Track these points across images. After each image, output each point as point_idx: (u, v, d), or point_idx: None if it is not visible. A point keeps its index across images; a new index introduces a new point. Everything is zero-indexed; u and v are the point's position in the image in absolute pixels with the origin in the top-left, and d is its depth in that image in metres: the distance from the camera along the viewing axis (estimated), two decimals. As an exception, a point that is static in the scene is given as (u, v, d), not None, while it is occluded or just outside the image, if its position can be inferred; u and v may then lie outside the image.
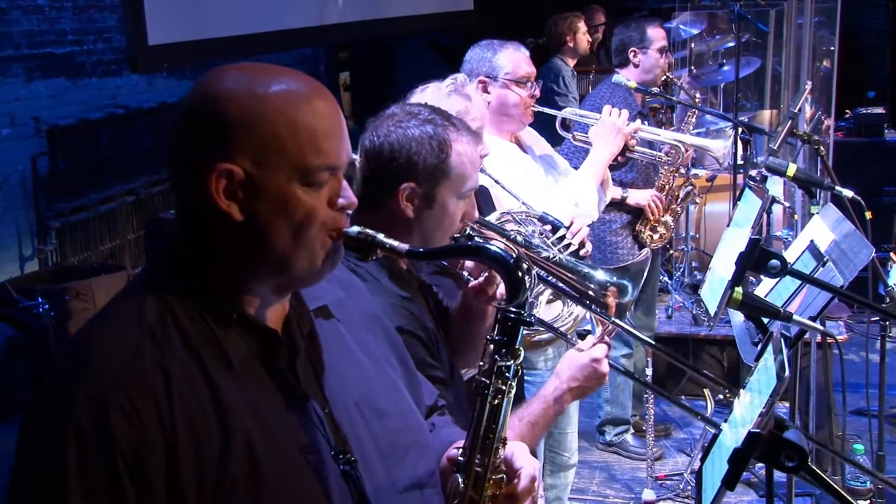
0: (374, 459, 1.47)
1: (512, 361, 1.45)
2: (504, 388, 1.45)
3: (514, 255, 1.45)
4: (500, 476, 1.49)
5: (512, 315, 1.45)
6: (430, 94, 2.68)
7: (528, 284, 1.44)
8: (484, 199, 2.98)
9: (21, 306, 4.24)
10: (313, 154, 1.36)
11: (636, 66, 4.53)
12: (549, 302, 2.76)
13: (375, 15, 6.64)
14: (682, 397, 5.38)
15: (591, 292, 2.42)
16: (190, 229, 1.41)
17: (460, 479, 1.46)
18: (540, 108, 3.57)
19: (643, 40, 4.54)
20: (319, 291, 1.52)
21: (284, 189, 1.36)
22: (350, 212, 1.44)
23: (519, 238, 2.50)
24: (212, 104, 1.35)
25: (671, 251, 6.09)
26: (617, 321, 2.38)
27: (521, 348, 1.47)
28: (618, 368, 2.49)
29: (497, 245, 1.48)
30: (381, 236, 1.45)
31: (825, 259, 2.58)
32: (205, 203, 1.35)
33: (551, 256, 2.44)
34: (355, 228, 1.45)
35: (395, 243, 1.45)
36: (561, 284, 2.46)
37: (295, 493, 1.36)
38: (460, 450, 1.49)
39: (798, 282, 2.46)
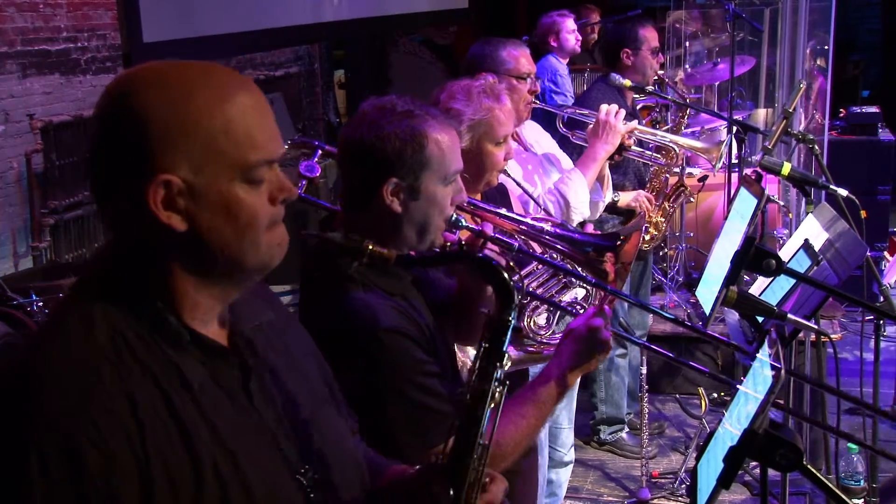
0: (326, 476, 1.46)
1: (499, 366, 1.45)
2: (493, 392, 1.45)
3: (504, 264, 1.45)
4: (485, 481, 1.48)
5: (499, 320, 1.45)
6: (460, 92, 2.69)
7: (516, 289, 1.44)
8: (502, 197, 2.99)
9: (15, 303, 4.23)
10: (250, 150, 1.32)
11: (628, 66, 4.53)
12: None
13: (371, 13, 6.64)
14: (677, 395, 5.40)
15: (588, 260, 2.40)
16: (126, 246, 1.34)
17: (448, 486, 1.44)
18: (539, 105, 3.57)
19: (635, 41, 4.54)
20: (254, 310, 1.49)
21: (226, 191, 1.31)
22: (292, 201, 1.40)
23: (511, 215, 2.49)
24: (136, 112, 1.29)
25: (666, 249, 6.10)
26: (616, 291, 2.36)
27: (508, 353, 1.46)
28: (623, 336, 2.43)
29: (487, 253, 1.48)
30: (369, 244, 1.44)
31: (820, 258, 2.59)
32: (142, 217, 1.29)
33: (545, 229, 2.44)
34: (338, 234, 1.44)
35: (383, 251, 1.45)
36: (557, 262, 2.44)
37: None
38: (439, 458, 1.47)
39: (793, 280, 2.46)
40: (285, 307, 1.68)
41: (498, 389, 1.45)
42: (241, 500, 1.31)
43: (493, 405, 1.45)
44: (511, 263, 1.52)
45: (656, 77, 4.79)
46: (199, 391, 1.31)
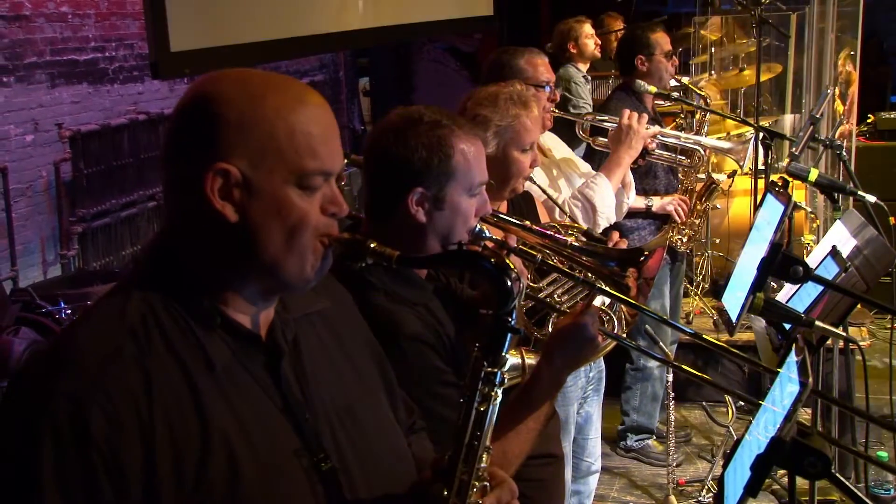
0: (352, 467, 1.48)
1: (498, 369, 1.44)
2: (490, 394, 1.44)
3: (502, 264, 1.42)
4: (484, 484, 1.48)
5: (500, 323, 1.43)
6: (487, 98, 2.70)
7: (516, 293, 1.42)
8: (527, 204, 2.99)
9: (43, 311, 4.27)
10: (309, 158, 1.38)
11: (644, 72, 4.51)
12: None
13: (395, 21, 6.66)
14: (703, 403, 5.37)
15: (611, 274, 2.38)
16: (180, 230, 1.42)
17: (443, 487, 1.45)
18: (560, 113, 3.57)
19: (647, 46, 4.52)
20: (306, 300, 1.53)
21: (279, 191, 1.37)
22: (341, 217, 1.45)
23: (535, 228, 2.48)
24: (210, 105, 1.37)
25: (693, 256, 6.06)
26: (639, 305, 2.34)
27: (508, 356, 1.45)
28: (611, 335, 2.39)
29: (487, 253, 1.47)
30: (371, 243, 1.44)
31: (847, 264, 2.57)
32: (198, 203, 1.36)
33: (568, 244, 2.43)
34: (346, 235, 1.45)
35: (386, 250, 1.44)
36: (578, 275, 2.42)
37: (274, 498, 1.37)
38: (445, 458, 1.48)
39: (820, 287, 2.44)
40: (346, 297, 1.71)
41: (493, 392, 1.44)
42: (252, 479, 1.34)
43: (483, 408, 1.44)
44: (509, 263, 1.48)
45: (679, 83, 4.77)
46: (222, 371, 1.37)
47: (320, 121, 1.41)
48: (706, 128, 4.64)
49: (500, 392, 1.45)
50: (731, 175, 5.53)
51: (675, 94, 4.51)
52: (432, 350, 1.99)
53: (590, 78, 6.59)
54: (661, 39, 4.56)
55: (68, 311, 4.30)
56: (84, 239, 6.27)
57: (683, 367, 2.53)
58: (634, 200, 3.86)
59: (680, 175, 4.51)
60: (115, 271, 5.92)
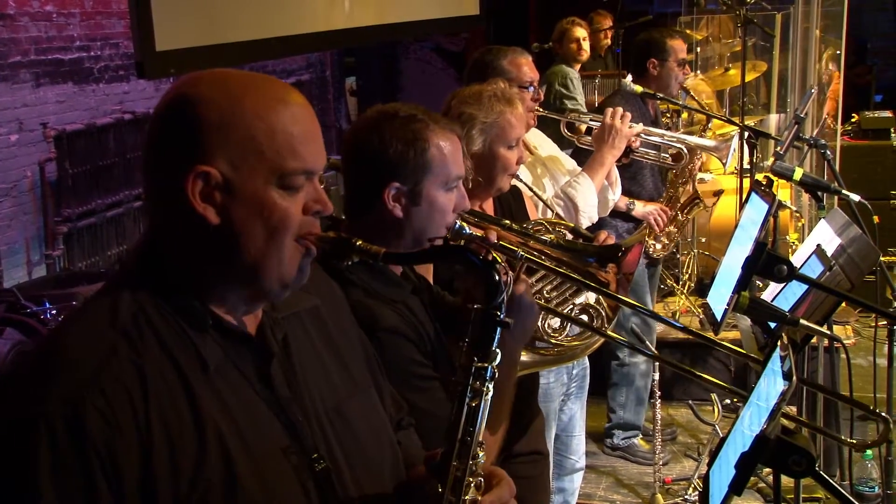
0: (343, 467, 1.48)
1: (489, 363, 1.44)
2: (482, 389, 1.44)
3: (489, 258, 1.44)
4: (479, 479, 1.48)
5: (488, 317, 1.44)
6: (471, 96, 2.71)
7: (503, 287, 1.43)
8: (516, 200, 2.99)
9: (28, 311, 4.25)
10: (290, 158, 1.38)
11: (654, 76, 4.50)
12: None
13: (382, 20, 6.65)
14: (689, 401, 5.38)
15: (590, 270, 2.39)
16: (164, 232, 1.42)
17: (437, 484, 1.45)
18: (544, 112, 3.57)
19: (662, 51, 4.50)
20: (295, 298, 1.52)
21: (261, 192, 1.37)
22: (323, 216, 1.45)
23: (515, 227, 2.48)
24: (190, 108, 1.36)
25: (678, 255, 6.09)
26: (621, 297, 2.35)
27: (498, 350, 1.45)
28: (595, 331, 2.40)
29: (473, 248, 1.47)
30: (357, 241, 1.44)
31: (832, 263, 2.58)
32: (180, 206, 1.36)
33: (548, 241, 2.43)
34: (332, 234, 1.45)
35: (371, 247, 1.44)
36: (560, 269, 2.44)
37: (270, 498, 1.37)
38: (437, 454, 1.48)
39: (805, 286, 2.45)
40: (336, 292, 1.71)
41: (485, 387, 1.44)
42: (248, 479, 1.34)
43: (475, 403, 1.44)
44: (496, 257, 1.50)
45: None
46: (214, 370, 1.37)
47: (301, 120, 1.40)
48: (708, 130, 4.66)
49: (490, 387, 1.45)
50: (718, 194, 5.55)
51: (661, 95, 4.52)
52: (410, 343, 1.99)
53: (579, 76, 6.63)
54: (678, 47, 4.54)
55: (53, 312, 4.28)
56: (69, 239, 6.24)
57: (669, 360, 2.54)
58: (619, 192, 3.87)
59: (667, 182, 4.53)
60: (100, 271, 5.90)
